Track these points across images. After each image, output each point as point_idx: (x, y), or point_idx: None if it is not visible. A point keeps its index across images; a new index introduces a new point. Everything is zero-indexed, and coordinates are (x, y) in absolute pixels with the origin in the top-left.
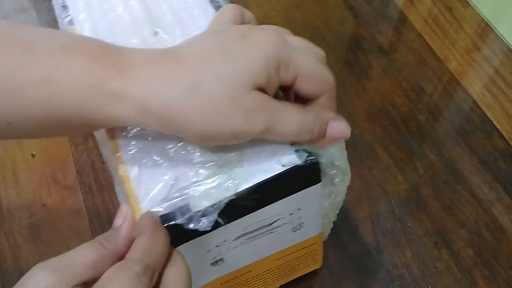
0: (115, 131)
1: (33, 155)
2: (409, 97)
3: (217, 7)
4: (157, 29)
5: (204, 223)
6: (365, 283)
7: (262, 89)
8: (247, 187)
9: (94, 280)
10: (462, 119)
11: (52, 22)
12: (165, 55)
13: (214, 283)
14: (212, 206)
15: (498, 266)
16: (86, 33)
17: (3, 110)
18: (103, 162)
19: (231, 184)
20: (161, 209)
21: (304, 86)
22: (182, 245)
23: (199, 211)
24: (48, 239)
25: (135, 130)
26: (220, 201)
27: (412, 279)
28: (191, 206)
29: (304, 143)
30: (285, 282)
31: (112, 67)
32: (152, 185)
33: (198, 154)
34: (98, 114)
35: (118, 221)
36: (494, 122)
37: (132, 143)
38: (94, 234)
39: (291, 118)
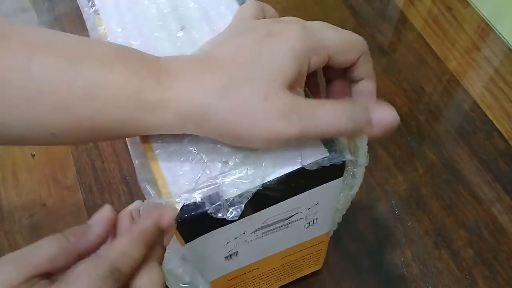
0: None
1: (33, 155)
2: (409, 97)
3: (242, 4)
4: (184, 25)
5: (232, 212)
6: (365, 283)
7: (292, 87)
8: (274, 177)
9: (55, 272)
10: (462, 119)
11: (52, 22)
12: (198, 61)
13: (223, 278)
14: (241, 195)
15: (498, 266)
16: (113, 24)
17: (47, 122)
18: (103, 162)
19: (259, 174)
20: (192, 197)
21: (340, 59)
22: (206, 234)
23: (228, 200)
24: None
25: None
26: (248, 191)
27: (412, 279)
28: (220, 195)
29: (349, 136)
30: (286, 283)
31: (151, 78)
32: (181, 174)
33: (226, 144)
34: (139, 125)
35: (95, 219)
36: (494, 122)
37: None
38: None
39: (326, 113)
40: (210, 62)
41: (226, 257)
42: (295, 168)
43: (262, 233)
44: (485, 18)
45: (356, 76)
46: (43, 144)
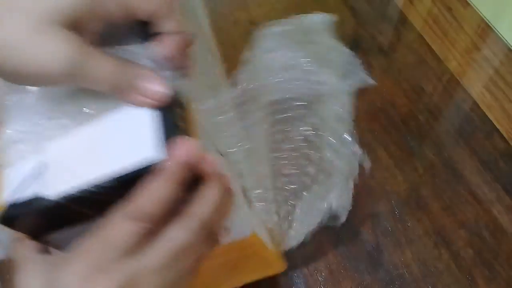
0: None
1: None
2: (409, 97)
3: None
4: None
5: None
6: (365, 283)
7: (79, 28)
8: (103, 180)
9: None
10: (462, 119)
11: None
12: None
13: None
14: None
15: (498, 266)
16: None
17: None
18: None
19: (81, 175)
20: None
21: (136, 9)
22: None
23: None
24: None
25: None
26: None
27: (412, 279)
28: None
29: (117, 97)
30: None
31: None
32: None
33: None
34: None
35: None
36: (494, 122)
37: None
38: None
39: (103, 65)
40: None
41: None
42: (128, 171)
43: None
44: (485, 18)
45: (161, 29)
46: None
